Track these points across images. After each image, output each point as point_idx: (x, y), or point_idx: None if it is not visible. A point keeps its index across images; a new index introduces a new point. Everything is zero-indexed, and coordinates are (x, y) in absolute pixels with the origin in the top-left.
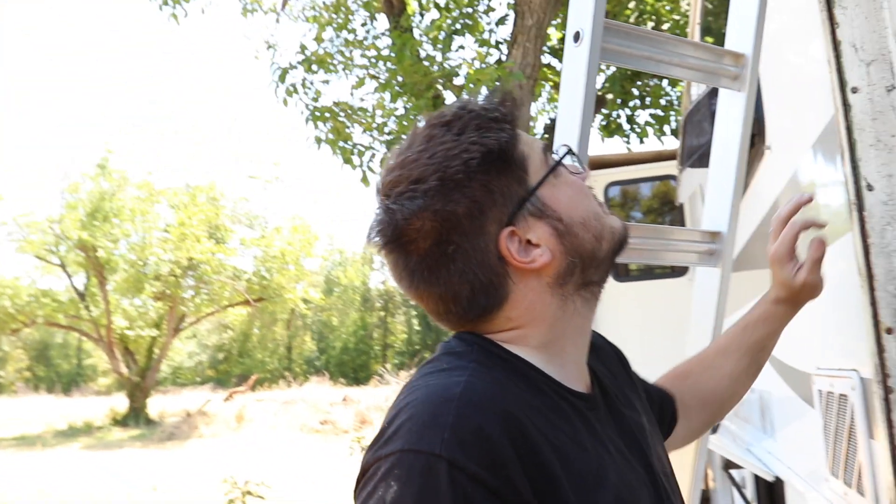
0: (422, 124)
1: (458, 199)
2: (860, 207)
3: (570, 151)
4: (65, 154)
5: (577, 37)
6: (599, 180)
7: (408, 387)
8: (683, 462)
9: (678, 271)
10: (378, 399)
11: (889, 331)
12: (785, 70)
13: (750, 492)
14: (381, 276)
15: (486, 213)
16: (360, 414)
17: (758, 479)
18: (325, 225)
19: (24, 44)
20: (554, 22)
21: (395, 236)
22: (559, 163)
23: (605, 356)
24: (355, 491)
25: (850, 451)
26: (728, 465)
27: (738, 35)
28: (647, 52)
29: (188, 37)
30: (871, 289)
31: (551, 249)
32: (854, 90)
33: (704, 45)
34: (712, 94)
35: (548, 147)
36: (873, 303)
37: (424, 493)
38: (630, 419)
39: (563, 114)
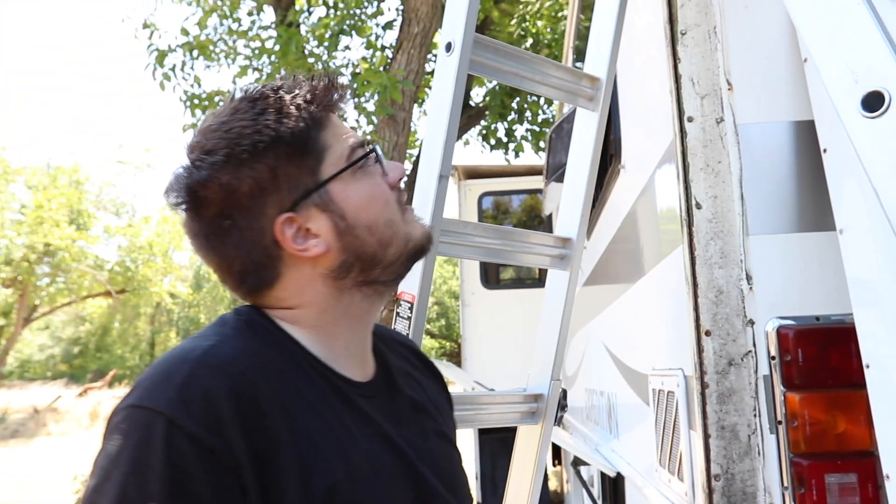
0: (237, 95)
1: (243, 178)
2: (689, 223)
3: (372, 152)
4: None
5: (448, 47)
6: (474, 190)
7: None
8: (526, 455)
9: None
10: None
11: (707, 333)
12: (639, 95)
13: (596, 488)
14: None
15: (268, 196)
16: None
17: (603, 475)
18: None
19: None
20: (440, 30)
21: (184, 198)
22: (354, 162)
23: (409, 363)
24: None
25: (674, 442)
26: (577, 462)
27: (595, 60)
28: (514, 68)
29: (63, 13)
30: (695, 295)
31: (328, 243)
32: (689, 119)
33: (565, 67)
34: (573, 113)
35: (362, 144)
36: (696, 308)
37: (140, 446)
38: (414, 423)
39: (430, 120)
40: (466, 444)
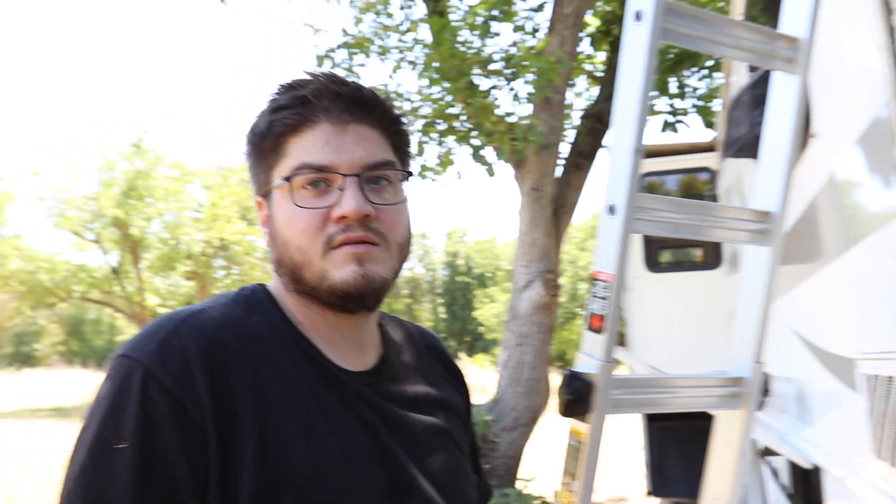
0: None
1: (247, 154)
2: None
3: (292, 178)
4: (101, 132)
5: (637, 16)
6: None
7: None
8: (728, 443)
9: (710, 263)
10: None
11: None
12: (834, 56)
13: (785, 480)
14: (408, 264)
15: (253, 177)
16: None
17: (794, 466)
18: None
19: (63, 20)
20: (591, 11)
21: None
22: (285, 179)
23: (426, 363)
24: None
25: None
26: (765, 452)
27: (792, 19)
28: (706, 33)
29: (227, 21)
30: None
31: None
32: None
33: (760, 29)
34: (756, 84)
35: (306, 168)
36: None
37: (119, 391)
38: (407, 416)
39: (620, 95)
40: (630, 431)
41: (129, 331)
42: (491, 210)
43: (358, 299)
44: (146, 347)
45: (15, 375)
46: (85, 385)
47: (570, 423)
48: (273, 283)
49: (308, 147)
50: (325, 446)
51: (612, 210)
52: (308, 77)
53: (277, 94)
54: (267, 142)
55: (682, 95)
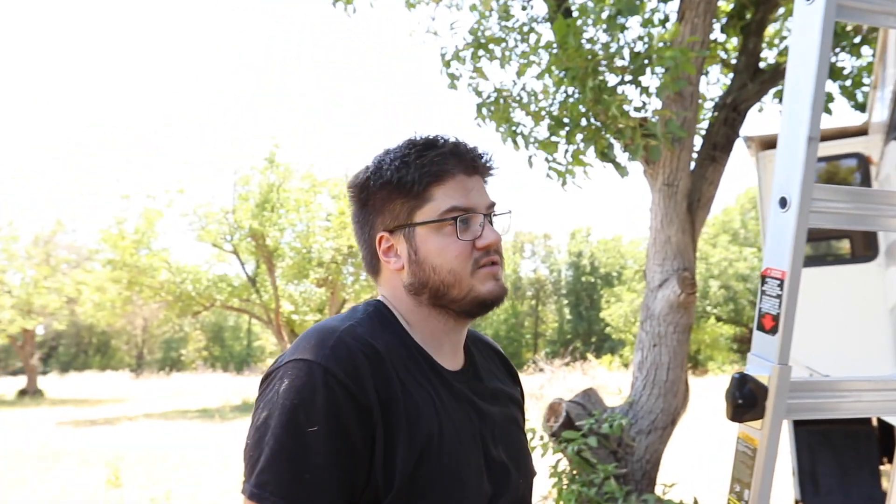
0: (410, 136)
1: (368, 197)
2: None
3: (457, 218)
4: (236, 148)
5: None
6: (774, 161)
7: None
8: None
9: (865, 256)
10: (533, 387)
11: None
12: None
13: None
14: (532, 265)
15: (377, 216)
16: None
17: None
18: None
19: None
20: None
21: (348, 192)
22: (437, 220)
23: (494, 364)
24: (259, 391)
25: None
26: None
27: None
28: (886, 6)
29: (350, 32)
30: None
31: (404, 264)
32: None
33: None
34: None
35: (461, 210)
36: None
37: (305, 386)
38: (490, 407)
39: (791, 79)
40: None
41: (264, 336)
42: (614, 208)
43: (493, 305)
44: (320, 353)
45: (165, 379)
46: (225, 387)
47: (740, 428)
48: (385, 299)
49: (452, 193)
50: (447, 428)
51: (784, 203)
52: (439, 138)
53: (416, 149)
54: (416, 188)
55: (832, 76)
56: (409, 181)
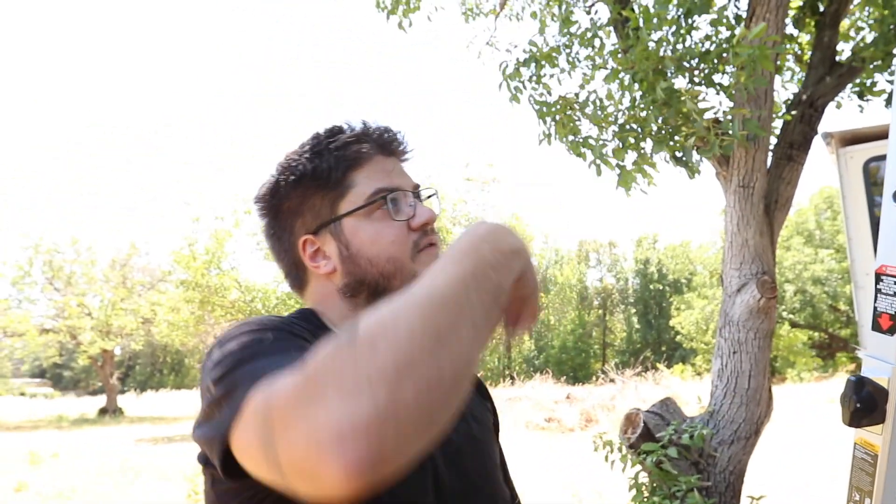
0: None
1: (282, 200)
2: None
3: (386, 197)
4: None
5: None
6: (857, 157)
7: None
8: None
9: None
10: (603, 397)
11: None
12: None
13: None
14: (598, 274)
15: (296, 219)
16: (585, 412)
17: None
18: (541, 223)
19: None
20: None
21: (256, 207)
22: (366, 205)
23: None
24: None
25: None
26: None
27: None
28: None
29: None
30: None
31: (335, 265)
32: None
33: None
34: None
35: (387, 191)
36: None
37: (259, 323)
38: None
39: None
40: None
41: None
42: (681, 213)
43: None
44: (273, 319)
45: None
46: None
47: (857, 433)
48: (314, 307)
49: (373, 175)
50: None
51: None
52: (346, 124)
53: (326, 137)
54: (334, 176)
55: None
56: (326, 169)
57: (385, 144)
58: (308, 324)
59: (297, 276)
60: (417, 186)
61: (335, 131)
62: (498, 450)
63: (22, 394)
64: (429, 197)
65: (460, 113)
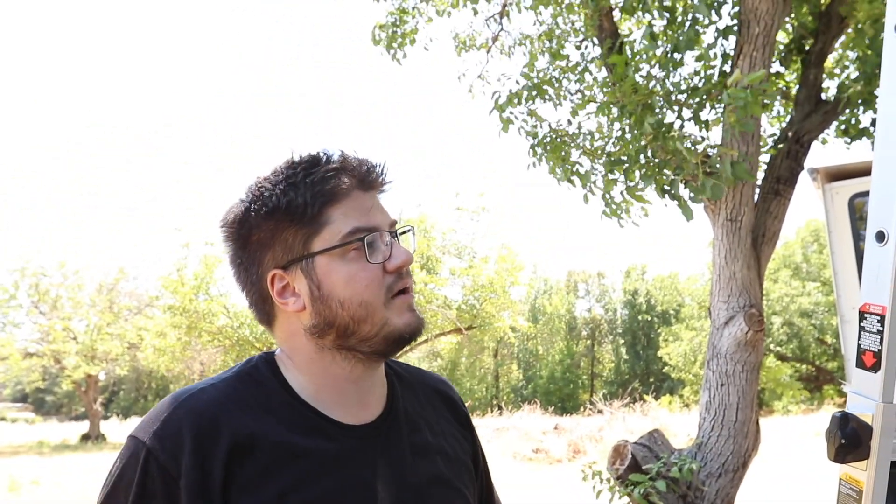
0: (288, 156)
1: (252, 232)
2: None
3: (363, 239)
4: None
5: None
6: (842, 192)
7: None
8: None
9: None
10: (591, 428)
11: None
12: None
13: None
14: (587, 304)
15: (265, 251)
16: (572, 443)
17: None
18: (530, 254)
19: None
20: (781, 28)
21: (222, 232)
22: (339, 245)
23: (433, 411)
24: None
25: None
26: None
27: None
28: None
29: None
30: None
31: (304, 304)
32: None
33: None
34: None
35: (363, 231)
36: None
37: (126, 468)
38: (409, 465)
39: (884, 109)
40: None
41: None
42: (670, 245)
43: (410, 340)
44: (150, 429)
45: None
46: None
47: (842, 469)
48: (278, 351)
49: (350, 213)
50: (318, 497)
51: (881, 237)
52: (323, 154)
53: (302, 168)
54: (309, 211)
55: None
56: (300, 204)
57: (363, 178)
58: (247, 383)
59: (263, 309)
60: (394, 223)
61: (312, 163)
62: (474, 486)
63: (2, 419)
64: (404, 233)
65: (449, 142)
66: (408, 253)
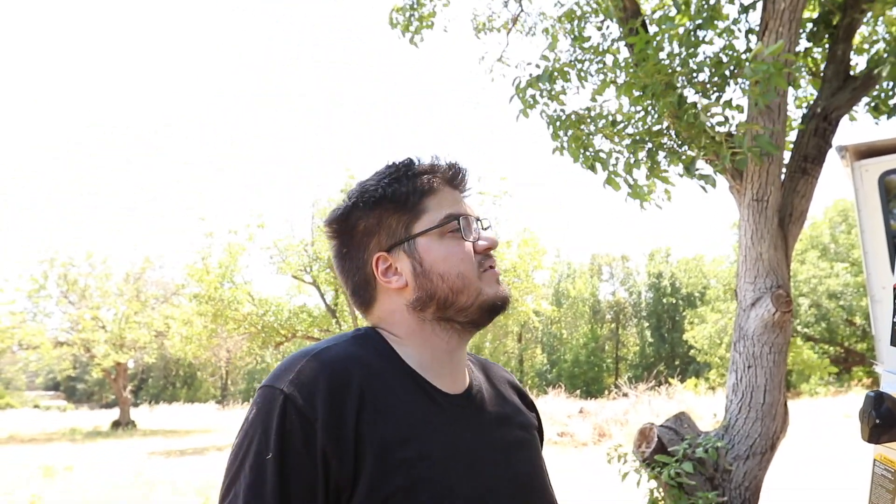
0: (387, 161)
1: (359, 221)
2: None
3: (457, 222)
4: (313, 181)
5: None
6: (872, 170)
7: None
8: None
9: None
10: (616, 412)
11: None
12: None
13: None
14: (611, 288)
15: (372, 237)
16: (598, 426)
17: None
18: (553, 237)
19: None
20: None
21: (328, 229)
22: (439, 226)
23: (505, 391)
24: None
25: None
26: None
27: None
28: None
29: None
30: None
31: (407, 280)
32: None
33: None
34: None
35: (457, 217)
36: None
37: (265, 412)
38: (495, 432)
39: None
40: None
41: None
42: (694, 227)
43: (501, 309)
44: (285, 378)
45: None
46: None
47: (877, 450)
48: (379, 327)
49: (444, 203)
50: (431, 450)
51: None
52: (417, 158)
53: (403, 167)
54: (411, 200)
55: None
56: (403, 193)
57: (452, 179)
58: (363, 345)
59: (365, 292)
60: (479, 218)
61: (409, 163)
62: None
63: (36, 406)
64: (486, 228)
65: (466, 122)
66: (494, 237)
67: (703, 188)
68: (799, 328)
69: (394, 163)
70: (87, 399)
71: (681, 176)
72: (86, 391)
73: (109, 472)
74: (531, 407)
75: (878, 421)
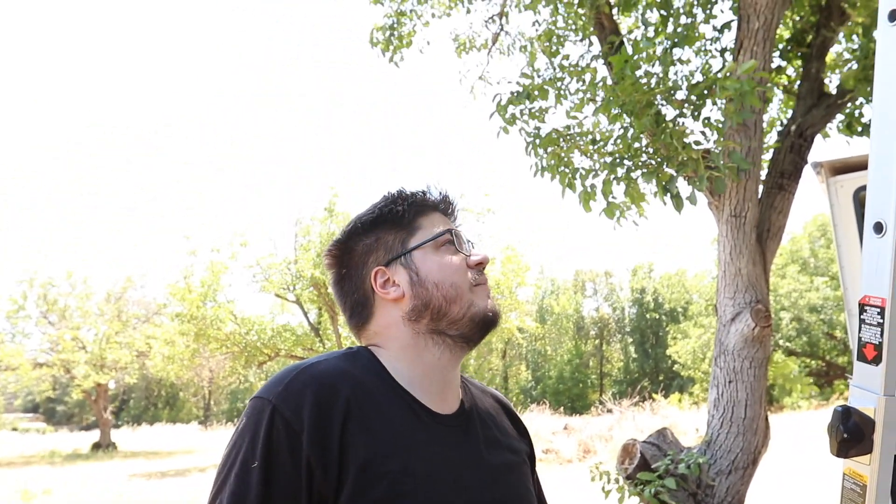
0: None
1: (358, 240)
2: None
3: (452, 233)
4: (295, 199)
5: (892, 16)
6: (846, 186)
7: None
8: None
9: None
10: (600, 428)
11: None
12: None
13: None
14: (595, 304)
15: (370, 255)
16: (583, 443)
17: None
18: (536, 254)
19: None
20: (781, 23)
21: (327, 258)
22: (432, 239)
23: (497, 416)
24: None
25: None
26: None
27: None
28: None
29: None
30: None
31: (404, 290)
32: None
33: None
34: None
35: (447, 233)
36: None
37: (253, 423)
38: (483, 453)
39: (879, 100)
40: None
41: None
42: (676, 242)
43: (493, 325)
44: (274, 390)
45: (231, 430)
46: None
47: (846, 464)
48: (372, 345)
49: (436, 222)
50: (415, 468)
51: (879, 228)
52: (409, 188)
53: (398, 194)
54: (407, 218)
55: None
56: (399, 212)
57: (442, 205)
58: (353, 362)
59: (363, 308)
60: (468, 240)
61: (402, 190)
62: (532, 485)
63: (14, 429)
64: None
65: (451, 143)
66: (486, 253)
67: (677, 209)
68: (781, 342)
69: (388, 191)
70: (67, 421)
71: (655, 195)
72: (65, 413)
73: (89, 495)
74: (524, 434)
75: (845, 435)
